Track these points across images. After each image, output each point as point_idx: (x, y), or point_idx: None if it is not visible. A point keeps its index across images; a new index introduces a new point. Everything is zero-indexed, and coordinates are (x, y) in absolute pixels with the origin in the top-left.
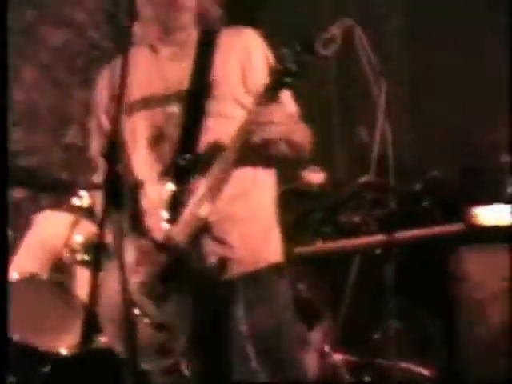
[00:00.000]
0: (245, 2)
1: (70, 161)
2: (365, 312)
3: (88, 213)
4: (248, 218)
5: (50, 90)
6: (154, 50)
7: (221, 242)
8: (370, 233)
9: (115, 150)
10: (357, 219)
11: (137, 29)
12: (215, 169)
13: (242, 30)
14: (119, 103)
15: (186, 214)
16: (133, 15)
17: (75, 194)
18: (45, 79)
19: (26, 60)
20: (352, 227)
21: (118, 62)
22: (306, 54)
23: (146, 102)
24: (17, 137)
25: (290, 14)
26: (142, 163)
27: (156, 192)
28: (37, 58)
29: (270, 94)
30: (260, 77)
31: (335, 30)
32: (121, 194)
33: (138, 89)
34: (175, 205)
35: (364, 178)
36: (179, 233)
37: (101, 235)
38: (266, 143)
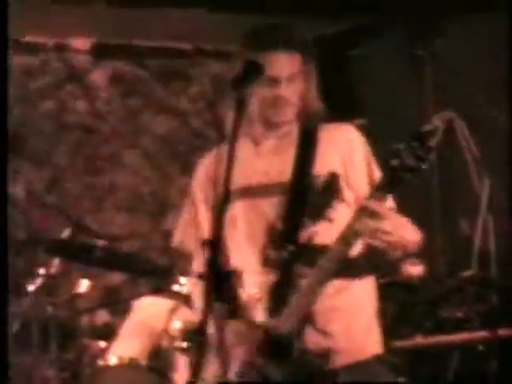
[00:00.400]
0: (345, 94)
1: (170, 247)
2: None
3: (187, 299)
4: (350, 310)
5: (153, 177)
6: (255, 142)
7: (323, 332)
8: (472, 328)
9: (219, 239)
10: (459, 314)
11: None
12: (320, 265)
13: (342, 126)
14: (225, 193)
15: (290, 305)
16: (241, 112)
17: (175, 281)
18: (147, 165)
19: (130, 146)
20: (454, 322)
21: (217, 152)
22: (421, 149)
23: (247, 192)
24: (119, 221)
25: (390, 109)
26: (242, 253)
27: (257, 282)
28: (140, 144)
29: (383, 191)
30: (360, 171)
31: (437, 122)
32: (222, 283)
33: (238, 178)
34: (277, 296)
35: (466, 272)
36: (282, 324)
37: (203, 323)
38: (373, 249)
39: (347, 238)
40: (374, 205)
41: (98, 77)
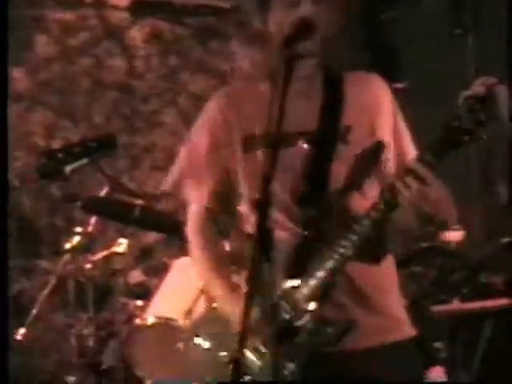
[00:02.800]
0: (385, 57)
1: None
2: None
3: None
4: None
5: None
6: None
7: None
8: (510, 295)
9: (267, 198)
10: (497, 280)
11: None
12: (354, 230)
13: (369, 76)
14: (274, 151)
15: (311, 277)
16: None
17: None
18: (184, 125)
19: (167, 105)
20: (492, 288)
21: (236, 93)
22: (484, 114)
23: (267, 141)
24: (155, 181)
25: (431, 72)
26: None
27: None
28: (177, 103)
29: (440, 152)
30: (387, 125)
31: (478, 88)
32: (270, 245)
33: (259, 125)
34: (300, 258)
35: (506, 239)
36: (301, 296)
37: (250, 286)
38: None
39: (388, 200)
40: (421, 169)
41: (136, 34)
